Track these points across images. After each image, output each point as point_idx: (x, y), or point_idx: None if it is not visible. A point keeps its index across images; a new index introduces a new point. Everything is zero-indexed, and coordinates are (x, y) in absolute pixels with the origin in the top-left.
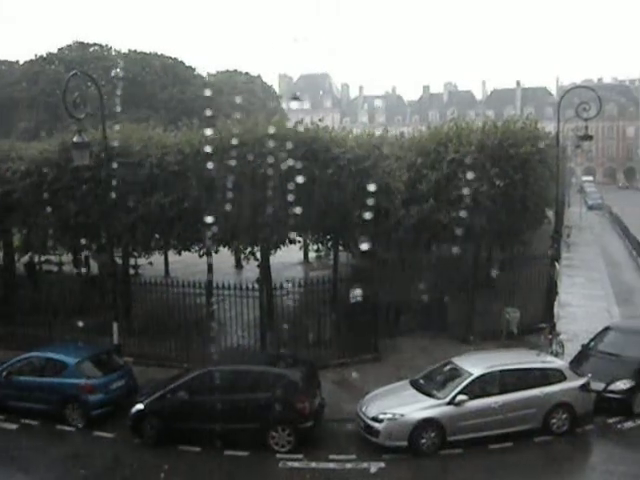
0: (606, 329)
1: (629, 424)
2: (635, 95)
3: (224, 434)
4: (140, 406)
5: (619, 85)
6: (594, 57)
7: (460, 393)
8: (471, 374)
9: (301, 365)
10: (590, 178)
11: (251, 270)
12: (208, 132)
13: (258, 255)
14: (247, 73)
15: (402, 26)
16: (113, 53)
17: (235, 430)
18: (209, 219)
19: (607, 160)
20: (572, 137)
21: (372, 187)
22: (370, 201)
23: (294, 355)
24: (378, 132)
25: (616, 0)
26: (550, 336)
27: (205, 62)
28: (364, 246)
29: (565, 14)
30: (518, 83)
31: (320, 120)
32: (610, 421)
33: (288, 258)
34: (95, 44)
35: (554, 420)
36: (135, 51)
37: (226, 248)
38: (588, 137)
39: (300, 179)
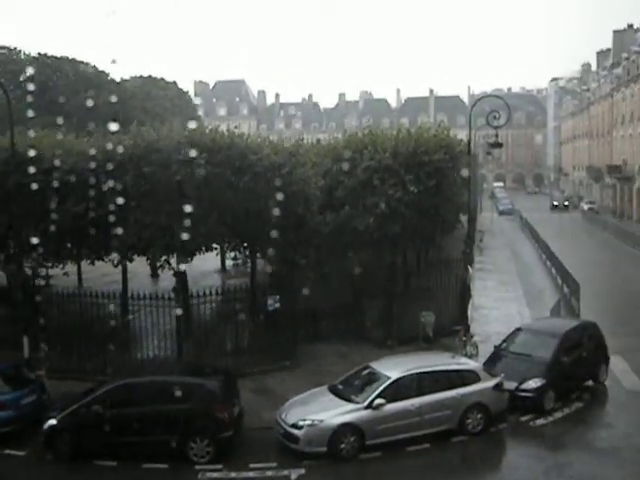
0: (517, 330)
1: (541, 421)
2: (542, 104)
3: (141, 447)
4: (53, 421)
5: (527, 94)
6: (504, 67)
7: (378, 397)
8: (388, 378)
9: (219, 374)
10: (501, 184)
11: (167, 279)
12: (122, 138)
13: (174, 264)
14: (162, 79)
15: (318, 34)
16: (22, 57)
17: (153, 442)
18: (123, 227)
19: (516, 166)
20: (483, 144)
21: (288, 194)
22: (286, 208)
23: (212, 364)
24: (294, 139)
25: (525, 14)
26: (464, 338)
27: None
28: (270, 251)
29: (477, 26)
30: (431, 91)
31: (236, 127)
32: (523, 419)
33: (205, 266)
34: (3, 47)
35: (469, 420)
36: (46, 55)
37: (141, 257)
38: (498, 145)
39: (216, 186)
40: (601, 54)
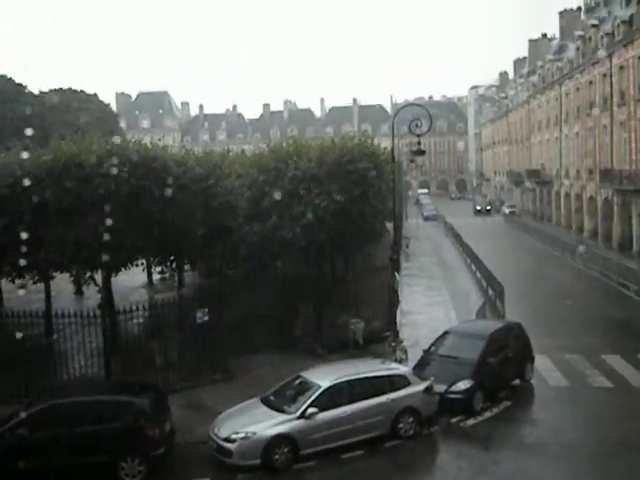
0: (445, 334)
1: (471, 421)
2: (463, 111)
3: (70, 470)
4: None
5: (448, 102)
6: (425, 77)
7: (310, 406)
8: (320, 386)
9: (149, 391)
10: (425, 191)
11: (93, 296)
12: (42, 153)
13: (99, 280)
14: (83, 91)
15: (241, 44)
16: None
17: (83, 464)
18: (45, 243)
19: (440, 173)
20: (407, 152)
21: (214, 205)
22: (213, 219)
23: (141, 381)
24: (219, 150)
25: (445, 25)
26: (394, 344)
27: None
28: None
29: (399, 36)
30: (355, 101)
31: (160, 139)
32: (454, 420)
33: (131, 281)
34: None
35: (401, 425)
36: None
37: (65, 274)
38: (421, 152)
39: (140, 199)
40: (518, 62)
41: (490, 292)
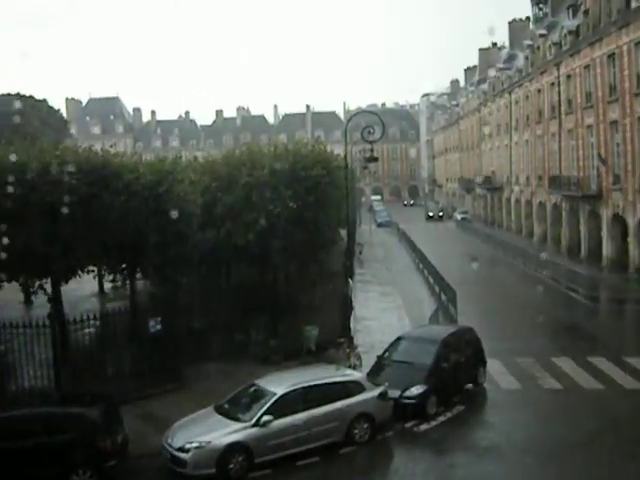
0: (398, 339)
1: (424, 426)
2: (415, 119)
3: None
4: None
5: (400, 109)
6: (378, 84)
7: (265, 414)
8: (274, 394)
9: (100, 402)
10: (378, 197)
11: (43, 305)
12: None
13: (49, 289)
14: (32, 97)
15: (195, 50)
16: None
17: (33, 477)
18: None
19: (393, 179)
20: (360, 159)
21: (167, 212)
22: (165, 226)
23: (92, 392)
24: (172, 156)
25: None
26: (348, 350)
27: None
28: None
29: (352, 43)
30: (308, 107)
31: (111, 146)
32: (408, 425)
33: (82, 290)
34: None
35: (356, 430)
36: None
37: (13, 282)
38: (374, 159)
39: (91, 207)
40: (468, 71)
41: (443, 297)
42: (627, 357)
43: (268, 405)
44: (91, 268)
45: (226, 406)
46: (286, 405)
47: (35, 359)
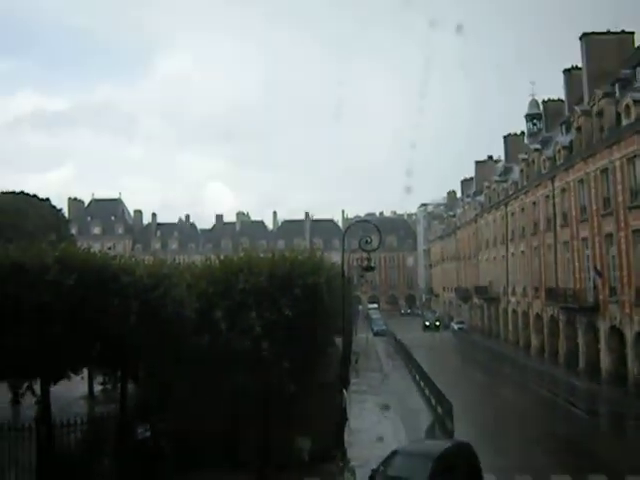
0: (393, 453)
1: None
2: (412, 228)
3: None
4: None
5: (398, 218)
6: (376, 193)
7: None
8: None
9: None
10: (375, 306)
11: (31, 406)
12: None
13: (37, 390)
14: (35, 196)
15: (195, 155)
16: None
17: None
18: None
19: (390, 288)
20: (358, 267)
21: (162, 315)
22: (159, 329)
23: None
24: (170, 259)
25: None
26: (341, 464)
27: None
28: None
29: (351, 153)
30: (307, 215)
31: (110, 248)
32: None
33: (71, 392)
34: None
35: None
36: None
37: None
38: (371, 268)
39: (86, 309)
40: (465, 182)
41: (439, 410)
42: (630, 475)
43: None
44: (83, 371)
45: None
46: None
47: (18, 464)
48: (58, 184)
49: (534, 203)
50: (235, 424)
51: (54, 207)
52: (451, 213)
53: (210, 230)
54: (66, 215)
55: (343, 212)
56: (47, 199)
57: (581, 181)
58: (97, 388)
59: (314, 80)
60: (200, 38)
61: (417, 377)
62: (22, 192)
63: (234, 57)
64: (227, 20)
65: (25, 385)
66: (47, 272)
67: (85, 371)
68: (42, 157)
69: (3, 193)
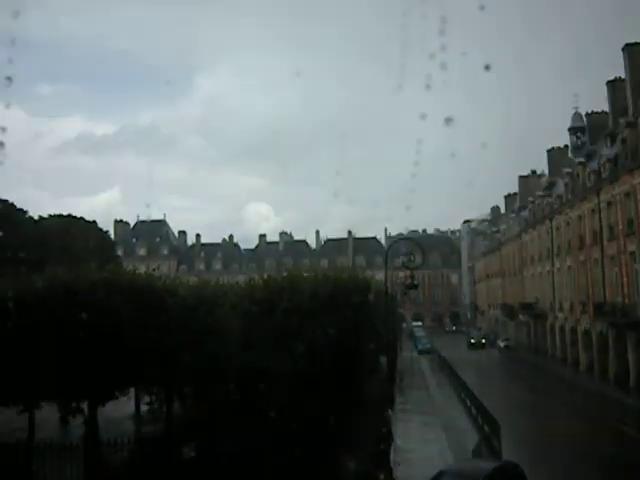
0: (440, 474)
1: None
2: (456, 245)
3: None
4: None
5: (441, 235)
6: (419, 210)
7: None
8: None
9: None
10: (419, 323)
11: (79, 426)
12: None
13: (86, 409)
14: (82, 218)
15: (237, 179)
16: None
17: None
18: (33, 373)
19: (434, 305)
20: (401, 284)
21: (206, 336)
22: (204, 350)
23: None
24: (214, 280)
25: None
26: None
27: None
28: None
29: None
30: (350, 233)
31: (154, 270)
32: None
33: (118, 411)
34: None
35: None
36: None
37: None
38: (414, 286)
39: (132, 328)
40: (509, 198)
41: (486, 429)
42: None
43: None
44: (129, 390)
45: None
46: None
47: None
48: (105, 206)
49: (580, 217)
50: (280, 444)
51: (100, 229)
52: (495, 229)
53: (253, 250)
54: (112, 237)
55: (386, 230)
56: (94, 221)
57: (627, 194)
58: (144, 408)
59: (357, 95)
60: (240, 56)
61: (462, 395)
62: (70, 215)
63: (274, 75)
64: (265, 39)
65: (73, 406)
66: (94, 294)
67: (132, 390)
68: (89, 180)
69: (51, 216)
